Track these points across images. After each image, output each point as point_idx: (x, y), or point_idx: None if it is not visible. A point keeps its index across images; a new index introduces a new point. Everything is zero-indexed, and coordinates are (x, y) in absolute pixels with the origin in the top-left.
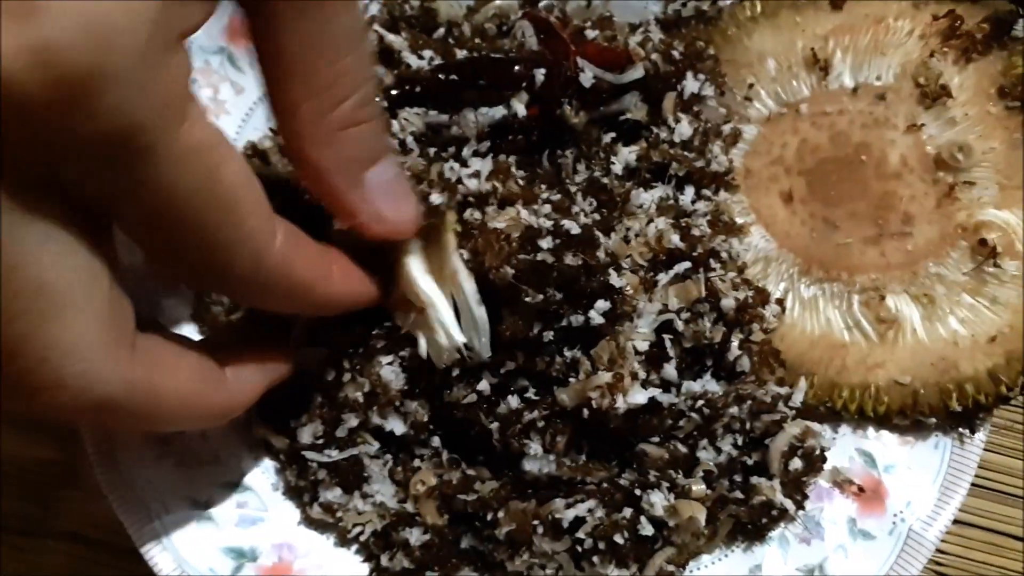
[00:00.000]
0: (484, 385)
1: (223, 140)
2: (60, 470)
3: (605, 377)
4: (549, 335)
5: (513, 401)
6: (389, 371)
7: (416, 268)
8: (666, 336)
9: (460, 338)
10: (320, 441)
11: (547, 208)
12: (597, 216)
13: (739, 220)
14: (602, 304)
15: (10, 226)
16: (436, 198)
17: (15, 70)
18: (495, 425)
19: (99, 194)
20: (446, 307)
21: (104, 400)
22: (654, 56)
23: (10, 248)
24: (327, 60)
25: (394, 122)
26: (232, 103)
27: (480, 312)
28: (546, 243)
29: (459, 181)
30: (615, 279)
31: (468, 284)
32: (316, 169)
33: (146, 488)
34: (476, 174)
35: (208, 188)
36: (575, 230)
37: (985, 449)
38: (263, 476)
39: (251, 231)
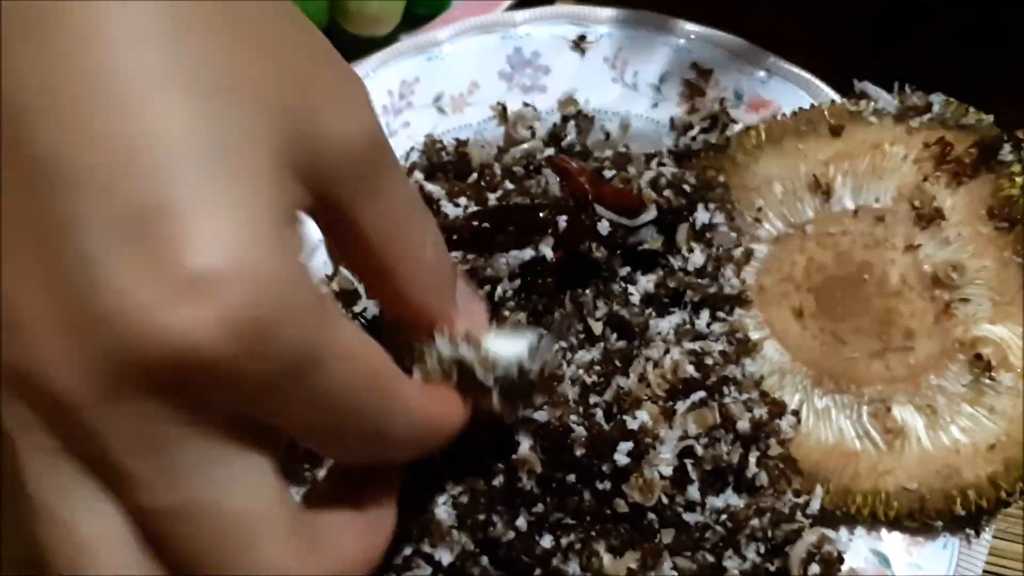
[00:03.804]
0: (522, 521)
1: (356, 324)
2: None
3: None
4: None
5: (547, 541)
6: (443, 511)
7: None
8: (688, 461)
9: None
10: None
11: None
12: (621, 344)
13: (754, 335)
14: (625, 445)
15: (209, 474)
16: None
17: (213, 340)
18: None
19: (274, 416)
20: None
21: None
22: (667, 192)
23: (211, 496)
24: (405, 228)
25: None
26: None
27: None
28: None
29: None
30: (632, 423)
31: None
32: (420, 310)
33: None
34: None
35: (368, 367)
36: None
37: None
38: None
39: (400, 387)
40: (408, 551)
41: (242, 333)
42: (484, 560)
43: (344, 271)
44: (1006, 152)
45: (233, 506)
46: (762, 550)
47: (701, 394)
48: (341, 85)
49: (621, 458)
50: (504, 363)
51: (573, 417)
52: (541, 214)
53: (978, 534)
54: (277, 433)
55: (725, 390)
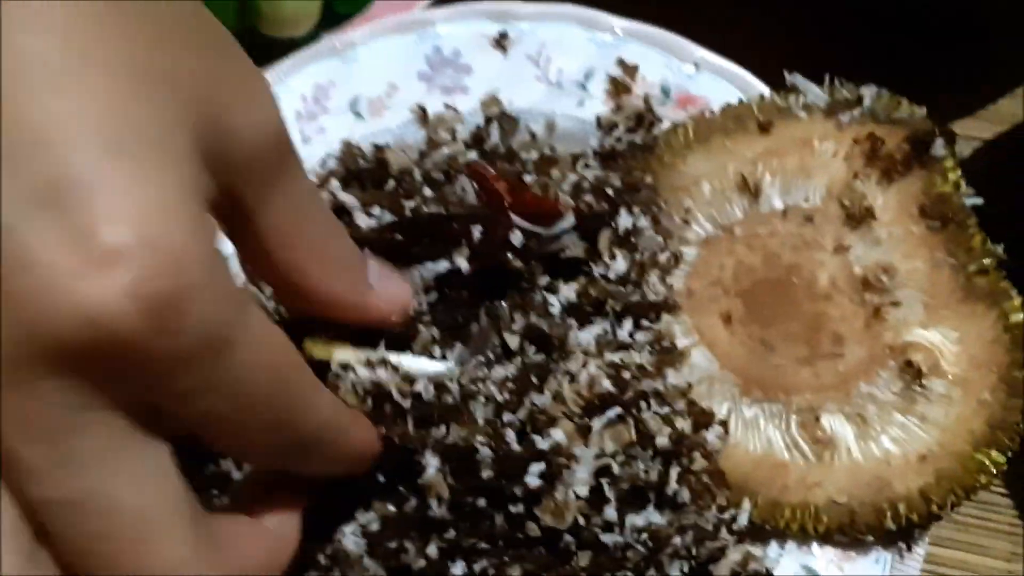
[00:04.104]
0: (433, 548)
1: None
2: None
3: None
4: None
5: (459, 568)
6: (351, 541)
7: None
8: (604, 480)
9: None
10: None
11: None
12: (539, 358)
13: (682, 342)
14: (536, 467)
15: (108, 465)
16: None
17: (120, 314)
18: None
19: (175, 402)
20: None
21: None
22: (588, 197)
23: (108, 488)
24: (309, 219)
25: None
26: None
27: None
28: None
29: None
30: (544, 442)
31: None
32: (337, 302)
33: None
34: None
35: (278, 357)
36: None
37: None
38: None
39: (310, 387)
40: None
41: (151, 306)
42: None
43: (253, 289)
44: (938, 147)
45: (131, 500)
46: (686, 568)
47: (618, 410)
48: (249, 80)
49: (532, 480)
50: (422, 384)
51: (480, 438)
52: (455, 224)
53: (910, 548)
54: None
55: (643, 404)
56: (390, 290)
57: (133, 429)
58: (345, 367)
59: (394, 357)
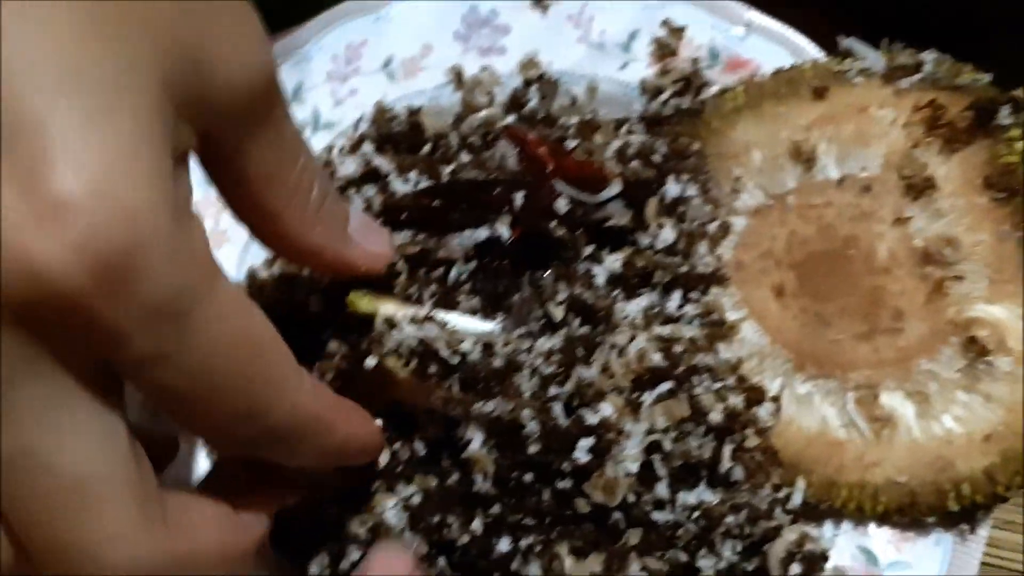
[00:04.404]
0: (477, 524)
1: (243, 290)
2: None
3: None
4: (530, 477)
5: (505, 543)
6: (392, 514)
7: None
8: (655, 456)
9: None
10: (327, 572)
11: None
12: (584, 330)
13: (731, 316)
14: (585, 442)
15: (49, 424)
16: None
17: (64, 271)
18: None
19: (131, 370)
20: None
21: None
22: (634, 164)
23: (47, 447)
24: (290, 166)
25: None
26: (232, 231)
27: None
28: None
29: None
30: (593, 416)
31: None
32: (313, 251)
33: None
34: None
35: (246, 337)
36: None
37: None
38: None
39: (285, 374)
40: (356, 556)
41: (99, 264)
42: (442, 561)
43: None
44: (1004, 115)
45: (71, 463)
46: (739, 548)
47: (669, 384)
48: (237, 20)
49: (581, 455)
50: (470, 343)
51: (526, 411)
52: (496, 190)
53: (973, 530)
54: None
55: (695, 379)
56: (371, 242)
57: (81, 389)
58: (391, 324)
59: (441, 314)
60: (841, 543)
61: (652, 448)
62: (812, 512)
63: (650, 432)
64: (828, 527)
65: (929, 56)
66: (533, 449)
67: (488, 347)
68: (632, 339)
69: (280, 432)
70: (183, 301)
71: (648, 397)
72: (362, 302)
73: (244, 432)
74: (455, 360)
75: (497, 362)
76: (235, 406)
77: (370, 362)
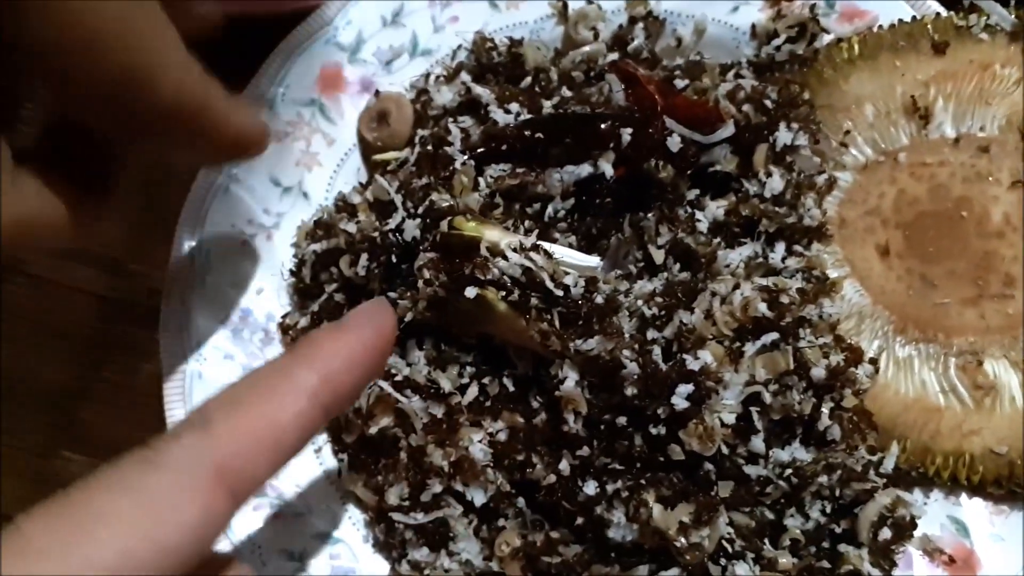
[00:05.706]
0: (564, 465)
1: None
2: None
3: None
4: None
5: (591, 487)
6: (477, 448)
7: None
8: (753, 409)
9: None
10: (406, 503)
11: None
12: (684, 276)
13: (833, 273)
14: (684, 388)
15: None
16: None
17: None
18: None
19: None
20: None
21: None
22: (745, 107)
23: None
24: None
25: (480, 179)
26: (324, 155)
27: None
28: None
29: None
30: (693, 363)
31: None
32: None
33: (244, 540)
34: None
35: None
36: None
37: None
38: (354, 529)
39: (169, 53)
40: (438, 488)
41: None
42: (520, 502)
43: (380, 180)
44: None
45: None
46: (828, 509)
47: (774, 336)
48: None
49: (679, 401)
50: (573, 278)
51: (627, 352)
52: (603, 125)
53: None
54: None
55: (801, 333)
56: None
57: None
58: (493, 252)
59: (546, 244)
60: (931, 512)
61: (751, 400)
62: (902, 478)
63: (750, 384)
64: (917, 494)
65: None
66: (630, 392)
67: (591, 283)
68: (736, 287)
69: (166, 109)
70: None
71: (751, 348)
72: (467, 226)
73: (133, 105)
74: (559, 293)
75: (599, 299)
76: (113, 68)
77: (470, 292)
